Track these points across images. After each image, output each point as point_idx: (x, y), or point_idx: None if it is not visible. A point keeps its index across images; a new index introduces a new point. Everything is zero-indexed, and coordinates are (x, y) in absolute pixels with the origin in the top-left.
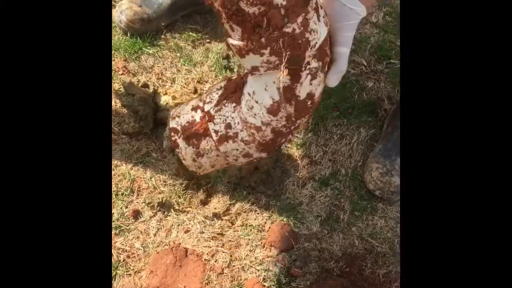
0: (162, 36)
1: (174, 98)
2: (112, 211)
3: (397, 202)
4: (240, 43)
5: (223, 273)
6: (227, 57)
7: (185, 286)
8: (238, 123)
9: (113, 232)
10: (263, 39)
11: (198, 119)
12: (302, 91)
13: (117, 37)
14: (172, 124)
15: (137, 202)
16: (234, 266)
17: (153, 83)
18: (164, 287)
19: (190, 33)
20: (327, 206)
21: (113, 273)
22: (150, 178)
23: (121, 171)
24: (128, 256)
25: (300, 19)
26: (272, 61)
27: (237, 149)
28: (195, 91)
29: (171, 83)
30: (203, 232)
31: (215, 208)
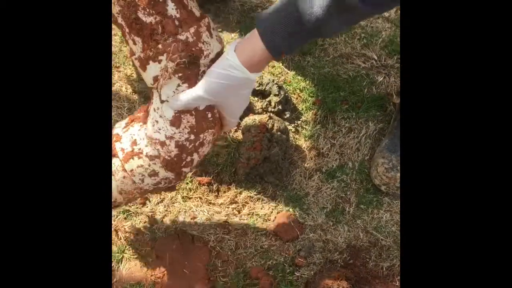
0: None
1: None
2: None
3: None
4: (142, 54)
5: (228, 261)
6: None
7: (190, 272)
8: (143, 139)
9: (121, 216)
10: (160, 45)
11: None
12: None
13: None
14: None
15: None
16: (239, 254)
17: None
18: (169, 272)
19: None
20: (333, 198)
21: (120, 256)
22: None
23: None
24: (135, 240)
25: (192, 30)
26: (169, 67)
27: (143, 166)
28: None
29: None
30: (209, 219)
31: (222, 196)
